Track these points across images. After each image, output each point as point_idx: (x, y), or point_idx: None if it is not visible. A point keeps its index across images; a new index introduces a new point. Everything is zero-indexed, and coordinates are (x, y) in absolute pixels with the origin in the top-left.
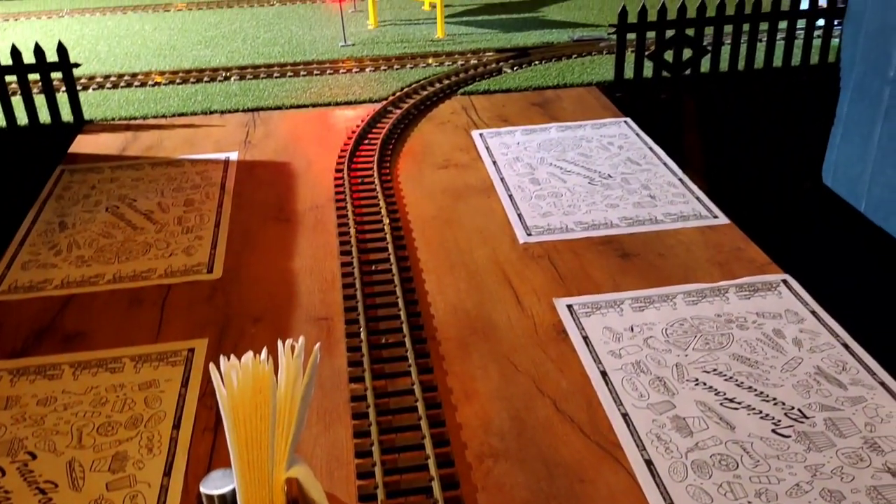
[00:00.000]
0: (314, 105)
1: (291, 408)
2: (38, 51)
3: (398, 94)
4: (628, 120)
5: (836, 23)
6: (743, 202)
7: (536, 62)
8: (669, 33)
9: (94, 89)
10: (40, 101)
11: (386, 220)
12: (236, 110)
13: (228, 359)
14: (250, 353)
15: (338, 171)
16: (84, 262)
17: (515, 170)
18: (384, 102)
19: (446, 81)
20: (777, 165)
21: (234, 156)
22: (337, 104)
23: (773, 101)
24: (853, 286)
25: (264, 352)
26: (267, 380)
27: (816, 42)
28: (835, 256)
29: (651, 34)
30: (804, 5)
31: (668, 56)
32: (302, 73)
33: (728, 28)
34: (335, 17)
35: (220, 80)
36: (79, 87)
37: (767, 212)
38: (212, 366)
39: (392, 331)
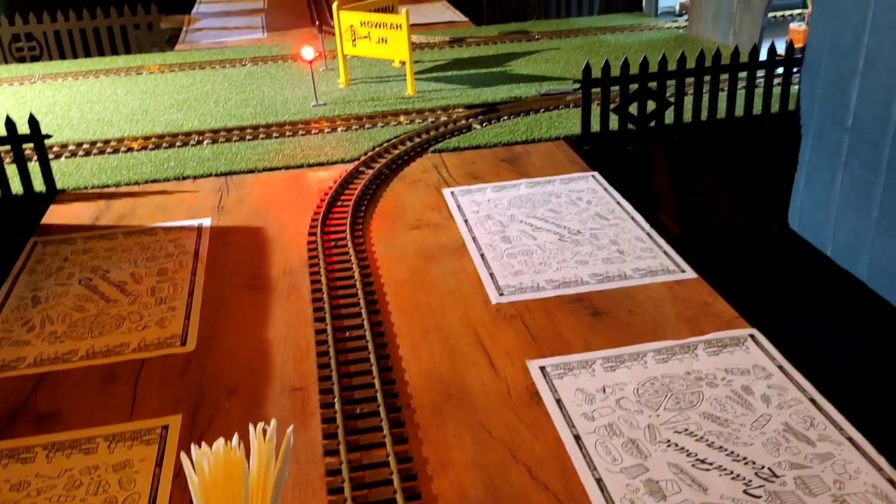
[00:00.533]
0: (287, 167)
1: (264, 494)
2: (10, 123)
3: (370, 153)
4: (596, 174)
5: (794, 70)
6: (712, 246)
7: (505, 117)
8: (633, 87)
9: (66, 157)
10: (12, 171)
11: (359, 285)
12: (209, 175)
13: (200, 445)
14: (221, 440)
15: (311, 234)
16: (57, 337)
17: (487, 228)
18: (356, 163)
19: (417, 139)
20: (745, 210)
21: (207, 222)
22: (310, 165)
23: (737, 150)
24: (820, 333)
25: (235, 437)
26: (239, 466)
27: (777, 90)
28: (802, 302)
29: (615, 88)
30: (763, 56)
31: (633, 109)
32: (274, 134)
33: (690, 80)
34: (306, 76)
35: (192, 145)
36: (51, 156)
37: (736, 257)
38: (183, 455)
39: (366, 400)
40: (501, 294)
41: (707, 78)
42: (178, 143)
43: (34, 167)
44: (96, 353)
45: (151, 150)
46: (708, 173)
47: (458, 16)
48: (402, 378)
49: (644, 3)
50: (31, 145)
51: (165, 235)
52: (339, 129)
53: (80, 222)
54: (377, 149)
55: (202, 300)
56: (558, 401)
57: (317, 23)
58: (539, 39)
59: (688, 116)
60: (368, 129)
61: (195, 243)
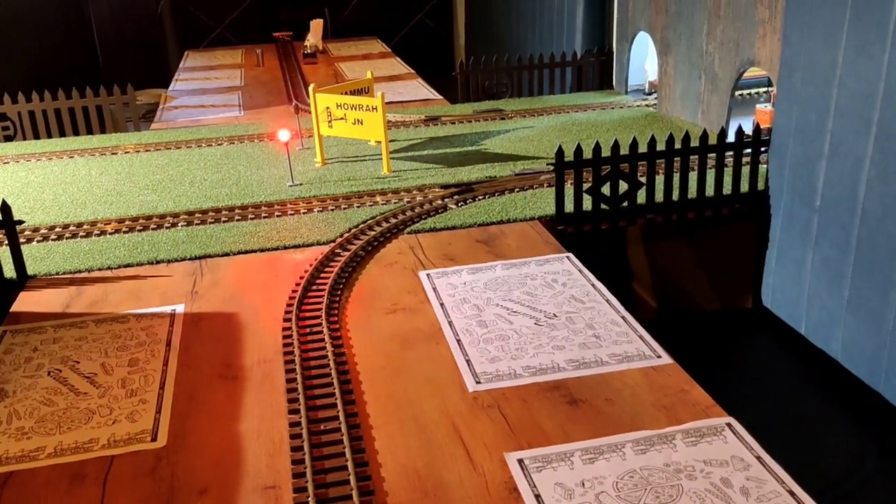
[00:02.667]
0: (262, 249)
1: None
2: None
3: (346, 235)
4: (570, 256)
5: (762, 150)
6: (687, 326)
7: (480, 197)
8: (605, 168)
9: (38, 241)
10: None
11: (335, 374)
12: (183, 258)
13: None
14: None
15: (286, 320)
16: (24, 433)
17: (463, 312)
18: (332, 245)
19: (393, 220)
20: (718, 288)
21: (180, 308)
22: (285, 248)
23: (709, 228)
24: (797, 414)
25: None
26: None
27: (746, 170)
28: (778, 382)
29: (588, 169)
30: (731, 137)
31: (606, 189)
32: (250, 215)
33: (661, 161)
34: (283, 155)
35: (167, 227)
36: (23, 240)
37: (711, 336)
38: None
39: (342, 498)
40: (478, 382)
41: (677, 160)
42: (152, 226)
43: (4, 252)
44: (65, 450)
45: (125, 232)
46: (681, 251)
47: (432, 94)
48: (378, 474)
49: (614, 81)
50: (3, 231)
51: (138, 323)
52: (316, 210)
53: (50, 310)
54: (353, 230)
55: (174, 392)
56: (537, 496)
57: (293, 102)
58: (513, 118)
59: (659, 196)
60: (344, 209)
61: (168, 331)
